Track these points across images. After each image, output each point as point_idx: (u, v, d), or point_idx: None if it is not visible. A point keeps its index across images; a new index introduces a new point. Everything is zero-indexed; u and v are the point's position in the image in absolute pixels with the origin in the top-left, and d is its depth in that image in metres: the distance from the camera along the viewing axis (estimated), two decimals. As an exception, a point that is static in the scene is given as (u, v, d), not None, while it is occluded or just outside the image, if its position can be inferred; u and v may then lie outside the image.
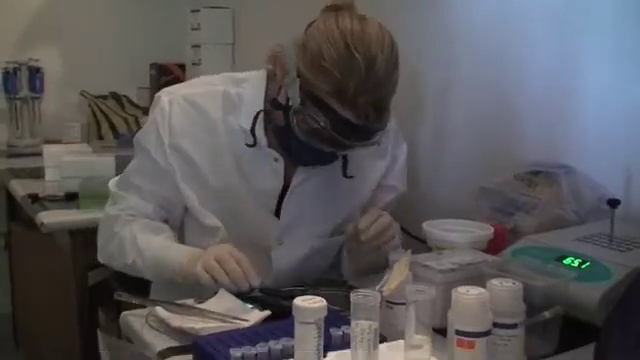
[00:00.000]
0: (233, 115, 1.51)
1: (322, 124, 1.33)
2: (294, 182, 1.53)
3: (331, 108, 1.32)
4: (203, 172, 1.52)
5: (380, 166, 1.62)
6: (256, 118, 1.47)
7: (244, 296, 1.34)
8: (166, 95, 1.55)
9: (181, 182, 1.52)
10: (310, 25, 1.40)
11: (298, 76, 1.35)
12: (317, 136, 1.36)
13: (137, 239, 1.50)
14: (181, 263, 1.43)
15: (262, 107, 1.48)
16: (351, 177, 1.52)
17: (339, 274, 1.60)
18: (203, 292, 1.37)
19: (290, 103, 1.37)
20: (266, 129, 1.49)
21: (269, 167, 1.52)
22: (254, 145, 1.48)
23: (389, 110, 1.36)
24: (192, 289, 1.42)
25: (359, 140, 1.37)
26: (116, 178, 1.67)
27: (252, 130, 1.48)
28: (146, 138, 1.55)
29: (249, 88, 1.52)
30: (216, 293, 1.35)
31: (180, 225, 1.60)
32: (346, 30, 1.32)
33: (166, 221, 1.58)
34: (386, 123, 1.37)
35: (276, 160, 1.51)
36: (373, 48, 1.31)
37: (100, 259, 1.63)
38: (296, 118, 1.36)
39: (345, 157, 1.50)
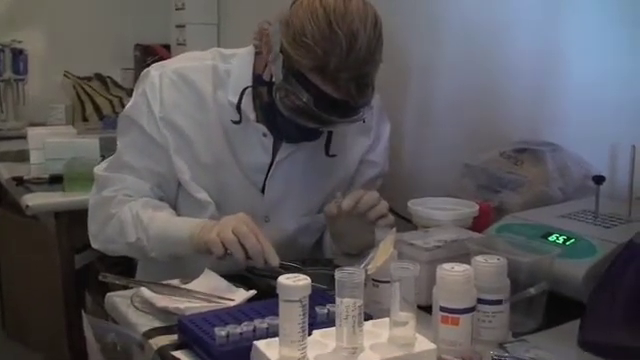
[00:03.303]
0: (222, 90, 1.50)
1: (304, 100, 1.33)
2: (278, 157, 1.52)
3: (313, 84, 1.32)
4: (194, 146, 1.51)
5: (363, 143, 1.62)
6: (242, 94, 1.47)
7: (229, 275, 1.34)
8: (155, 69, 1.53)
9: (174, 155, 1.50)
10: (294, 2, 1.39)
11: (281, 52, 1.35)
12: (300, 112, 1.35)
13: (140, 216, 1.45)
14: (192, 234, 1.39)
15: (250, 83, 1.48)
16: (334, 156, 1.52)
17: (322, 253, 1.60)
18: (188, 272, 1.36)
19: (274, 79, 1.37)
20: (255, 104, 1.49)
21: (258, 142, 1.51)
22: (239, 122, 1.48)
23: (372, 86, 1.36)
24: (178, 269, 1.41)
25: (341, 116, 1.37)
26: (103, 163, 1.60)
27: (238, 106, 1.47)
28: (137, 113, 1.52)
29: (237, 64, 1.51)
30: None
31: (175, 203, 1.57)
32: (329, 7, 1.31)
33: (162, 200, 1.54)
34: (369, 100, 1.37)
35: (265, 135, 1.50)
36: (355, 25, 1.30)
37: (95, 245, 1.57)
38: (279, 94, 1.36)
39: (329, 135, 1.49)
